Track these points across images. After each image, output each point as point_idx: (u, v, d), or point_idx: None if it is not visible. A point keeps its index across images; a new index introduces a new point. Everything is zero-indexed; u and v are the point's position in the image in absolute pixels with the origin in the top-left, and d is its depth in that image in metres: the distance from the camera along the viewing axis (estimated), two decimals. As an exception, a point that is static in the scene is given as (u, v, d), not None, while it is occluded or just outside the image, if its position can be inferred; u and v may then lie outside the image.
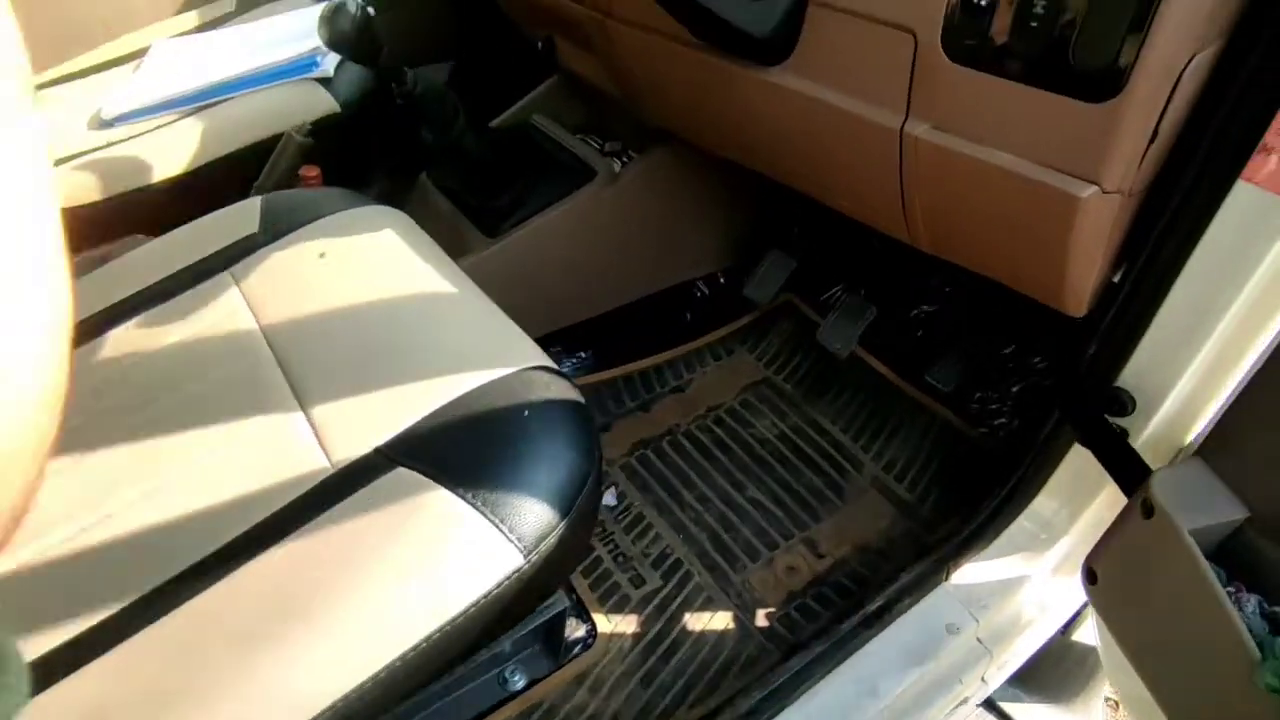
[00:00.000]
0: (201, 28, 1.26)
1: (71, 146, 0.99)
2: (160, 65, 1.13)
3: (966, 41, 0.56)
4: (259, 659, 0.41)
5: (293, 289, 0.69)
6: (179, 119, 1.02)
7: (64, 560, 0.47)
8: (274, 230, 0.76)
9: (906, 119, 0.63)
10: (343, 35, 0.83)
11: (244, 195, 0.95)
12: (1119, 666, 0.58)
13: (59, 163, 0.97)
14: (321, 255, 0.71)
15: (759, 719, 0.70)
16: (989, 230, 0.65)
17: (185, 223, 1.00)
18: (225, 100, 1.03)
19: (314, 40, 1.07)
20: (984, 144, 0.59)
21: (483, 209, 1.07)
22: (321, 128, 1.00)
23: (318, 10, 1.18)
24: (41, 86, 1.17)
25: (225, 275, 0.72)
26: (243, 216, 0.78)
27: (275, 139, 0.99)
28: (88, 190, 0.94)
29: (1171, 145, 0.56)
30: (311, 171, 0.97)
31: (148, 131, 1.00)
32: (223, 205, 0.99)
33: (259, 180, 0.92)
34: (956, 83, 0.58)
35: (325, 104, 1.00)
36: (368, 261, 0.70)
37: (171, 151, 0.97)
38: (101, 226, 0.94)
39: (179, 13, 1.38)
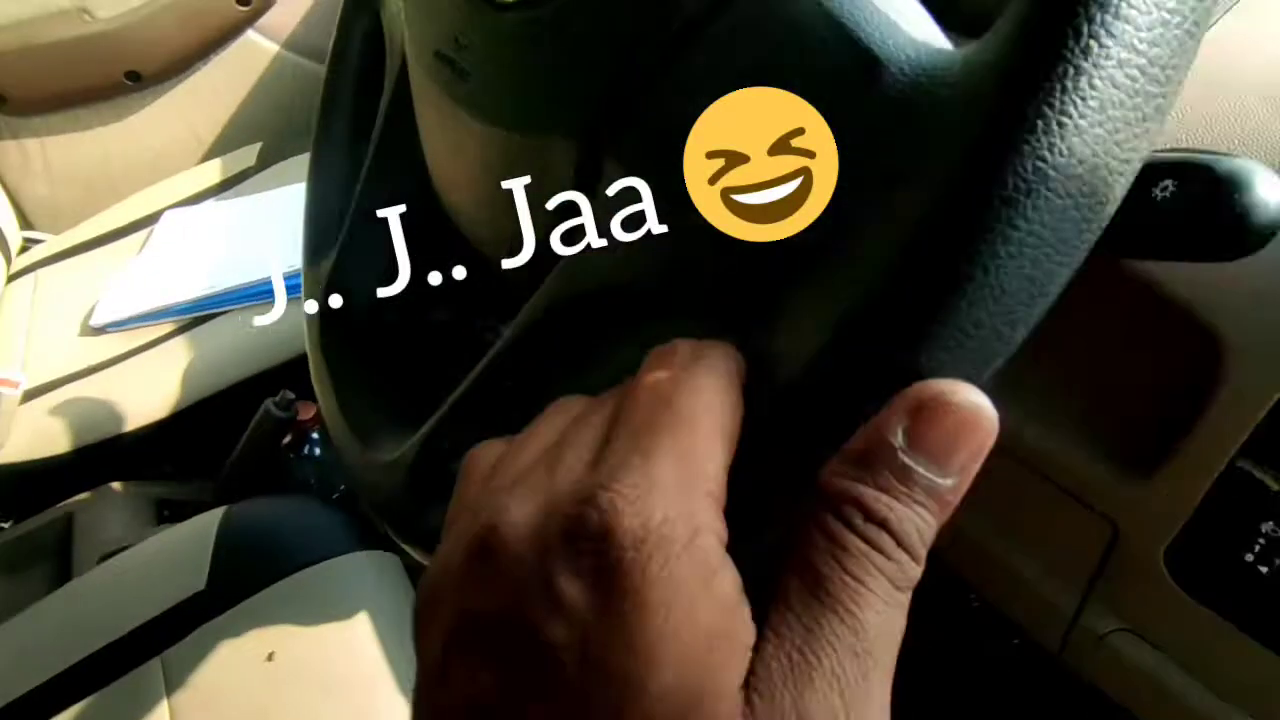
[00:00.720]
0: (222, 185, 1.13)
1: (49, 369, 0.88)
2: (164, 249, 1.00)
3: (1217, 576, 0.35)
4: None
5: (224, 713, 0.54)
6: (166, 337, 0.89)
7: None
8: (225, 586, 0.60)
9: (1084, 606, 0.42)
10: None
11: (224, 443, 0.82)
12: None
13: (29, 395, 0.85)
14: (269, 658, 0.55)
15: None
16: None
17: (158, 472, 0.87)
18: (219, 315, 0.89)
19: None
20: (1230, 701, 0.37)
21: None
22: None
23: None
24: (48, 261, 1.07)
25: (156, 665, 0.57)
26: (193, 549, 0.63)
27: (265, 373, 0.84)
28: (56, 441, 0.81)
29: None
30: (309, 411, 0.82)
31: (129, 354, 0.88)
32: (200, 452, 0.86)
33: (234, 454, 0.77)
34: (1184, 607, 0.37)
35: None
36: (320, 680, 0.54)
37: (151, 389, 0.83)
38: (67, 479, 0.82)
39: (202, 161, 1.27)
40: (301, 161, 1.13)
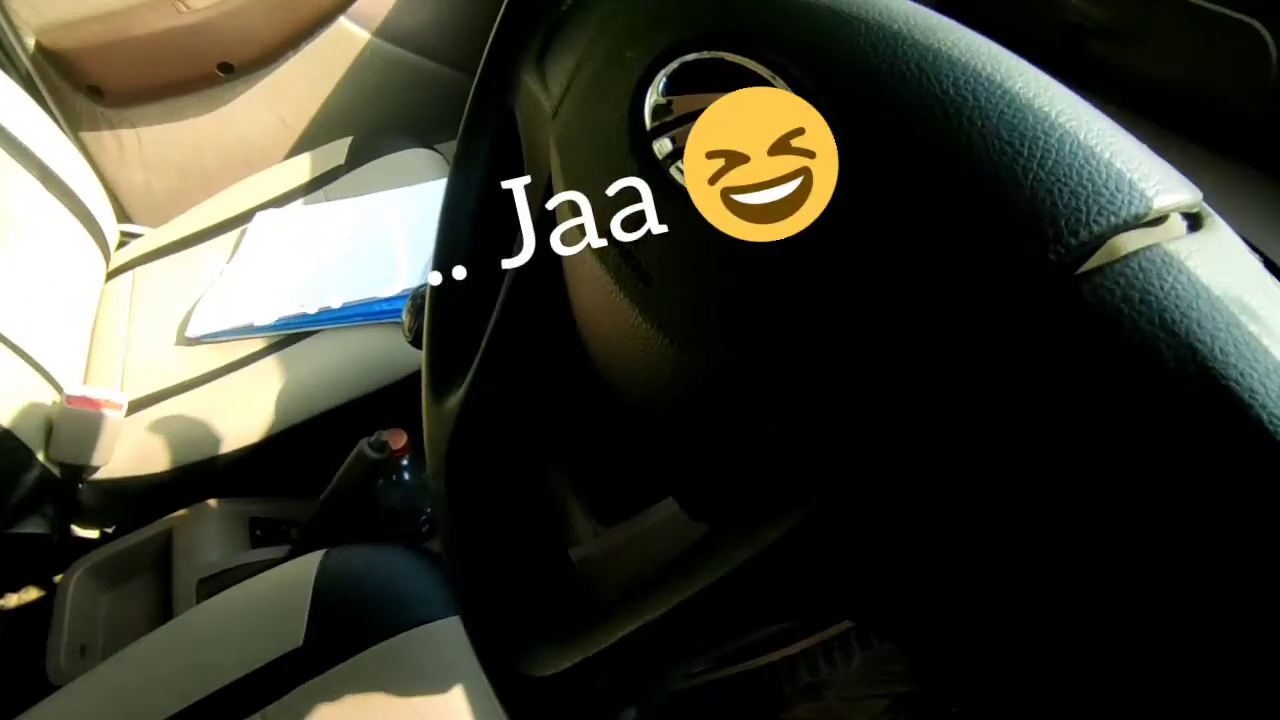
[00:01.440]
0: (311, 184, 1.12)
1: (149, 382, 0.89)
2: (257, 256, 1.00)
3: None
4: None
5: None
6: (260, 354, 0.89)
7: None
8: (323, 644, 0.60)
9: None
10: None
11: (315, 465, 0.82)
12: None
13: (134, 408, 0.86)
14: (367, 732, 0.55)
15: None
16: None
17: (256, 489, 0.88)
18: (314, 333, 0.89)
19: (419, 257, 0.90)
20: None
21: (602, 479, 0.87)
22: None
23: (428, 192, 1.02)
24: (144, 260, 1.08)
25: (256, 722, 0.57)
26: (292, 599, 0.63)
27: (358, 399, 0.84)
28: (156, 459, 0.83)
29: None
30: (399, 440, 0.81)
31: (225, 369, 0.88)
32: (293, 473, 0.87)
33: (327, 492, 0.77)
34: None
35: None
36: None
37: (246, 411, 0.84)
38: (167, 495, 0.83)
39: (292, 151, 1.26)
40: (388, 164, 1.11)
